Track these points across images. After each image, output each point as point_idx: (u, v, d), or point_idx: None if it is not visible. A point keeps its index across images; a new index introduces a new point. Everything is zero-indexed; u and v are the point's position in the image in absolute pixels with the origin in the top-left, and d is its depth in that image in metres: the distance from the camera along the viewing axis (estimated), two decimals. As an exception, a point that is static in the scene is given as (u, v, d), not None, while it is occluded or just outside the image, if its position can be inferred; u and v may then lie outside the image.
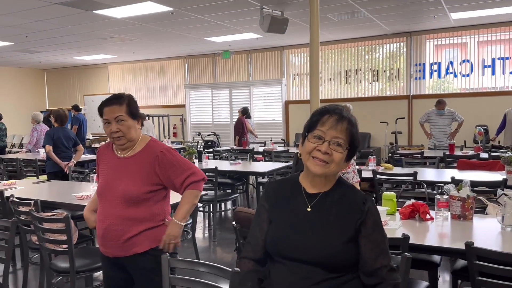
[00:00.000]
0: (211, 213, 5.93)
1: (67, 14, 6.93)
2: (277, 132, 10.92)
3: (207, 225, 5.95)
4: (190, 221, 4.19)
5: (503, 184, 3.56)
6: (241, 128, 8.96)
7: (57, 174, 5.72)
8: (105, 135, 2.46)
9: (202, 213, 6.26)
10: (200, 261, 2.02)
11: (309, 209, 1.47)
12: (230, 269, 1.87)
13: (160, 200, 2.30)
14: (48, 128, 6.65)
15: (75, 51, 10.94)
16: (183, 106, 12.53)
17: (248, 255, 1.60)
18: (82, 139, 9.71)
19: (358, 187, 3.77)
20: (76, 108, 10.42)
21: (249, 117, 9.82)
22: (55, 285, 3.20)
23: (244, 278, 1.59)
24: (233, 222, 2.55)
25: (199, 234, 5.57)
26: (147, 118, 10.03)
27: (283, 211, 1.52)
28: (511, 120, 6.73)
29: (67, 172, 5.65)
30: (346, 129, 1.43)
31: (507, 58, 8.79)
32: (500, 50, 8.85)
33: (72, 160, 5.82)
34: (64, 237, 2.90)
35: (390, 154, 6.45)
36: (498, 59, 8.86)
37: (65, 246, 2.90)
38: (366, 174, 4.43)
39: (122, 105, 2.24)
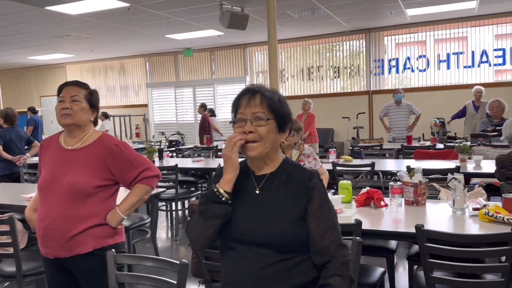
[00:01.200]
0: (173, 212, 5.81)
1: (17, 11, 6.64)
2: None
3: (169, 224, 5.83)
4: (148, 220, 4.08)
5: (455, 171, 3.65)
6: (206, 127, 8.90)
7: (10, 177, 5.47)
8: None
9: (164, 212, 6.14)
10: (146, 255, 1.94)
11: (257, 192, 1.46)
12: (178, 262, 1.82)
13: (108, 197, 2.19)
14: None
15: (30, 51, 10.52)
16: (146, 105, 12.29)
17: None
18: (38, 142, 9.35)
19: (324, 172, 3.77)
20: (32, 110, 10.04)
21: (214, 115, 9.76)
22: (3, 291, 3.04)
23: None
24: (188, 216, 2.49)
25: (161, 234, 5.46)
26: (108, 119, 9.78)
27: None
28: (471, 113, 6.97)
29: (19, 165, 5.44)
30: (261, 101, 1.43)
31: (461, 53, 9.11)
32: (454, 45, 9.16)
33: (27, 154, 5.59)
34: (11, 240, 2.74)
35: (351, 148, 6.55)
36: (453, 54, 9.17)
37: (11, 249, 2.75)
38: (327, 166, 4.46)
39: (83, 88, 2.18)
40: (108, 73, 12.84)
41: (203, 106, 9.23)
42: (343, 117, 9.55)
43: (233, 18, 6.62)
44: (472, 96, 7.01)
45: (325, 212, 1.44)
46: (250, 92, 1.45)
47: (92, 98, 2.20)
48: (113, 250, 1.97)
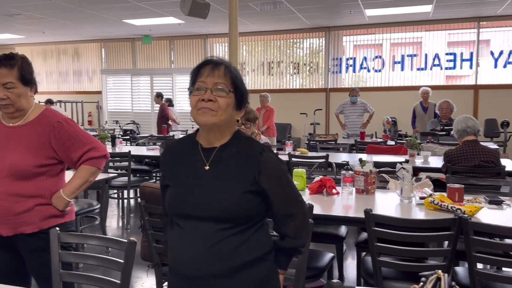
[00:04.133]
0: (125, 200, 5.66)
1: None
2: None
3: (120, 213, 5.68)
4: (98, 206, 3.95)
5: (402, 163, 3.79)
6: (164, 116, 8.76)
7: None
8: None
9: (116, 200, 5.96)
10: (92, 234, 1.87)
11: (207, 167, 1.43)
12: (125, 240, 1.76)
13: (54, 175, 2.09)
14: None
15: (-25, 28, 9.89)
16: (100, 92, 11.87)
17: (163, 211, 1.58)
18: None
19: None
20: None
21: (172, 105, 9.60)
22: None
23: (164, 233, 1.59)
24: (138, 198, 2.43)
25: (111, 222, 5.30)
26: (55, 103, 9.37)
27: (181, 171, 1.47)
28: (420, 113, 7.26)
29: None
30: (225, 74, 1.41)
31: (415, 55, 9.47)
32: (409, 49, 9.51)
33: None
34: None
35: (307, 142, 6.65)
36: (407, 56, 9.51)
37: None
38: (283, 158, 4.51)
39: (13, 68, 1.97)
40: (61, 57, 12.29)
41: (159, 96, 9.07)
42: (301, 113, 9.67)
43: (194, 5, 6.51)
44: (420, 97, 7.30)
45: (282, 185, 1.44)
46: (213, 63, 1.42)
47: (24, 73, 2.01)
48: (57, 228, 1.89)
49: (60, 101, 11.20)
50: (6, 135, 2.03)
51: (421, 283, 1.05)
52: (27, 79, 2.04)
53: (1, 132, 2.04)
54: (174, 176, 1.47)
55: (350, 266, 3.75)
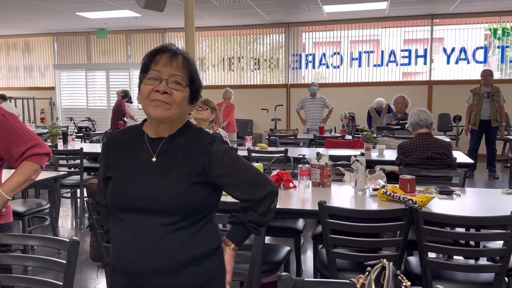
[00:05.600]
0: (78, 199, 5.44)
1: None
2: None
3: (73, 213, 5.46)
4: (48, 206, 3.77)
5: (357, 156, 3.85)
6: (120, 111, 8.50)
7: None
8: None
9: (69, 199, 5.73)
10: (31, 234, 1.76)
11: (154, 159, 1.36)
12: (68, 240, 1.66)
13: None
14: None
15: None
16: (53, 88, 11.39)
17: (101, 200, 1.49)
18: None
19: None
20: None
21: (130, 101, 9.33)
22: None
23: (104, 223, 1.54)
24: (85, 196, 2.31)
25: (64, 222, 5.09)
26: (7, 100, 8.89)
27: (125, 162, 1.39)
28: (375, 117, 7.50)
29: None
30: (183, 66, 1.34)
31: (372, 51, 9.67)
32: (367, 46, 9.71)
33: None
34: None
35: (267, 137, 6.65)
36: (364, 52, 9.71)
37: None
38: (242, 153, 4.48)
39: None
40: (10, 52, 11.70)
41: (124, 92, 8.82)
42: (262, 109, 9.67)
43: (150, -2, 6.34)
44: (375, 100, 7.58)
45: (239, 169, 1.39)
46: (171, 52, 1.34)
47: None
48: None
49: (10, 98, 10.65)
50: None
51: (367, 273, 1.03)
52: None
53: None
54: (117, 168, 1.39)
55: (308, 259, 3.77)
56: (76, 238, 1.65)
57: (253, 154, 4.52)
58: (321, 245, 2.88)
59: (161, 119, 1.34)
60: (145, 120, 1.45)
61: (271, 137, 6.37)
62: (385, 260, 1.01)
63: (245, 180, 1.40)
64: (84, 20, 9.30)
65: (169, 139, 1.38)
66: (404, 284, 0.98)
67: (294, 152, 4.82)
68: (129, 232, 1.32)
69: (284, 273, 1.25)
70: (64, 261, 1.65)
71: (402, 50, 9.52)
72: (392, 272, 0.98)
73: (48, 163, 2.13)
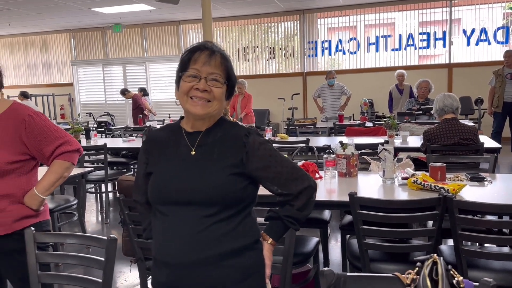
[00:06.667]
0: (102, 194, 5.53)
1: None
2: (176, 110, 10.60)
3: (99, 207, 5.55)
4: (75, 202, 3.83)
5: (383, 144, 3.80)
6: (139, 107, 8.58)
7: None
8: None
9: (93, 194, 5.83)
10: (70, 233, 1.79)
11: (193, 153, 1.39)
12: (106, 238, 1.69)
13: (27, 173, 1.99)
14: None
15: None
16: (71, 84, 11.53)
17: (139, 198, 1.53)
18: None
19: None
20: None
21: (146, 94, 9.41)
22: None
23: (143, 221, 1.56)
24: (117, 192, 2.34)
25: (90, 217, 5.18)
26: (29, 98, 9.05)
27: (164, 157, 1.42)
28: (396, 96, 7.32)
29: None
30: (221, 63, 1.36)
31: (389, 36, 9.51)
32: (383, 30, 9.54)
33: None
34: None
35: (286, 127, 6.62)
36: (382, 37, 9.55)
37: None
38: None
39: None
40: (28, 50, 11.85)
41: (124, 93, 8.92)
42: (278, 98, 9.63)
43: (165, -9, 6.34)
44: (396, 80, 7.35)
45: (275, 163, 1.39)
46: (209, 50, 1.36)
47: None
48: (33, 228, 1.80)
49: (30, 95, 10.83)
50: None
51: (417, 268, 1.02)
52: None
53: None
54: (157, 163, 1.43)
55: (334, 249, 3.77)
56: (113, 235, 1.68)
57: (274, 145, 4.49)
58: (349, 235, 2.87)
59: (201, 116, 1.37)
60: (182, 118, 1.48)
61: (290, 127, 6.33)
62: (435, 255, 1.00)
63: (282, 174, 1.41)
64: (99, 16, 9.35)
65: (206, 133, 1.41)
66: (456, 278, 0.97)
67: (315, 141, 4.79)
68: (170, 225, 1.35)
69: (326, 268, 1.24)
70: (103, 259, 1.68)
71: (420, 33, 9.33)
72: (444, 267, 0.97)
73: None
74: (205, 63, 1.34)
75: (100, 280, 1.66)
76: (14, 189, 1.92)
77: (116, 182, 5.74)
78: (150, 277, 2.36)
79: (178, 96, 1.40)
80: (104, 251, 1.68)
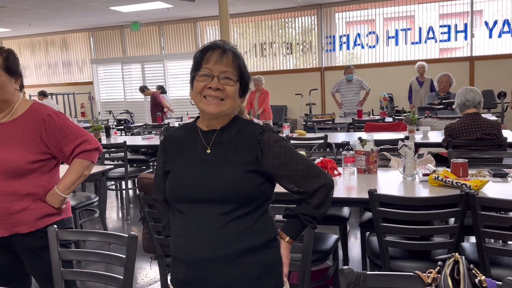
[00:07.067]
0: (123, 191, 5.61)
1: None
2: (194, 107, 10.63)
3: (119, 204, 5.63)
4: (96, 199, 3.90)
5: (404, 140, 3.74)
6: (157, 104, 8.66)
7: None
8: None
9: (114, 192, 5.91)
10: (92, 230, 1.82)
11: (208, 151, 1.40)
12: (126, 235, 1.71)
13: (48, 172, 2.02)
14: None
15: (-41, 23, 9.66)
16: (91, 83, 11.71)
17: (158, 197, 1.54)
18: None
19: None
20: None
21: (164, 92, 9.49)
22: None
23: (162, 219, 1.58)
24: (137, 189, 2.37)
25: (111, 214, 5.27)
26: (48, 97, 9.22)
27: (181, 156, 1.44)
28: (416, 89, 7.19)
29: None
30: (233, 62, 1.38)
31: (409, 29, 9.34)
32: (402, 23, 9.38)
33: None
34: None
35: (304, 123, 6.59)
36: (401, 30, 9.39)
37: None
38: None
39: None
40: (49, 49, 12.08)
41: (143, 90, 9.01)
42: (296, 94, 9.59)
43: (182, -11, 6.37)
44: (416, 72, 7.22)
45: (291, 160, 1.39)
46: (220, 48, 1.38)
47: (9, 63, 1.95)
48: (55, 226, 1.83)
49: (51, 94, 11.04)
50: None
51: (438, 267, 1.00)
52: (12, 69, 1.96)
53: None
54: (175, 162, 1.44)
55: (354, 247, 3.74)
56: (134, 233, 1.70)
57: (292, 142, 4.47)
58: (368, 232, 2.84)
59: (215, 115, 1.38)
60: (198, 117, 1.49)
61: (308, 123, 6.29)
62: (457, 254, 0.98)
63: (298, 172, 1.40)
64: (117, 14, 9.45)
65: (221, 131, 1.42)
66: (478, 278, 0.95)
67: (333, 137, 4.75)
68: (188, 223, 1.37)
69: (346, 267, 1.23)
70: (124, 256, 1.70)
71: (440, 26, 9.14)
72: (466, 266, 0.95)
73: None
74: (217, 62, 1.35)
75: (121, 277, 1.69)
76: (36, 188, 1.96)
77: (136, 180, 5.83)
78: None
79: (192, 96, 1.41)
80: (125, 248, 1.71)
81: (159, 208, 1.58)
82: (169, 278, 2.40)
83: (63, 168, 2.13)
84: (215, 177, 1.35)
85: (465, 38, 9.04)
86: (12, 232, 1.93)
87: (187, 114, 8.90)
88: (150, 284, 3.32)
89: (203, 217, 1.34)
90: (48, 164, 2.02)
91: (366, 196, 2.13)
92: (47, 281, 1.94)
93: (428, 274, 1.03)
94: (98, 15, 9.51)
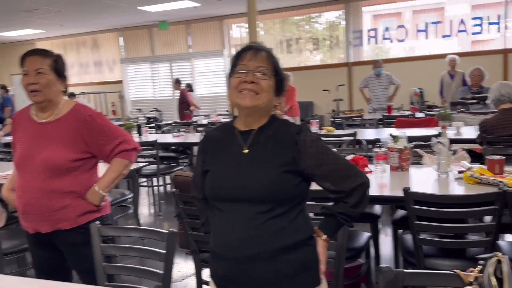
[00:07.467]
0: (155, 188, 5.74)
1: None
2: (221, 104, 10.75)
3: (151, 200, 5.76)
4: (130, 195, 4.01)
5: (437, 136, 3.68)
6: (185, 102, 8.79)
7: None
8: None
9: (146, 188, 6.05)
10: (132, 226, 1.89)
11: (245, 151, 1.43)
12: (166, 231, 1.77)
13: (88, 170, 2.11)
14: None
15: (-3, 26, 10.04)
16: (121, 82, 11.97)
17: (197, 194, 1.59)
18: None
19: None
20: (3, 87, 9.68)
21: (192, 90, 9.60)
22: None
23: (201, 216, 1.62)
24: (173, 188, 2.44)
25: (143, 210, 5.40)
26: (75, 96, 9.50)
27: (220, 156, 1.48)
28: (447, 82, 7.02)
29: None
30: (267, 57, 1.42)
31: (439, 22, 9.12)
32: (431, 16, 9.16)
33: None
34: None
35: (332, 119, 6.54)
36: (431, 23, 9.17)
37: (-11, 227, 2.65)
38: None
39: (46, 57, 2.03)
40: (80, 49, 12.40)
41: (178, 82, 9.08)
42: (323, 90, 9.52)
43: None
44: (447, 66, 7.04)
45: (328, 160, 1.41)
46: (255, 48, 1.43)
47: (58, 65, 2.06)
48: (97, 222, 1.91)
49: (83, 93, 11.36)
50: (38, 132, 2.05)
51: (480, 266, 1.00)
52: (59, 70, 2.07)
53: (34, 129, 2.07)
54: (213, 162, 1.48)
55: (384, 244, 3.71)
56: (173, 229, 1.76)
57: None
58: (401, 230, 2.82)
59: (250, 108, 1.40)
60: (235, 117, 1.52)
61: (336, 119, 6.25)
62: (499, 253, 0.98)
63: (335, 171, 1.42)
64: (145, 14, 9.62)
65: (258, 131, 1.45)
66: (521, 278, 0.95)
67: (362, 134, 4.71)
68: (227, 221, 1.40)
69: (384, 265, 1.25)
70: (163, 251, 1.76)
71: (472, 18, 8.87)
72: (508, 266, 0.95)
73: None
74: (251, 58, 1.40)
75: (160, 272, 1.75)
76: (77, 186, 2.05)
77: (167, 177, 5.95)
78: (204, 268, 2.45)
79: (230, 95, 1.44)
80: (163, 243, 1.77)
81: (198, 205, 1.63)
82: (203, 273, 2.46)
83: (101, 167, 2.21)
84: (252, 177, 1.38)
85: (498, 30, 8.75)
86: (55, 228, 2.02)
87: (215, 112, 8.97)
88: (183, 279, 3.40)
89: (241, 216, 1.38)
90: (88, 162, 2.10)
91: (399, 193, 2.12)
92: (87, 275, 2.03)
93: (469, 273, 1.03)
94: (127, 15, 9.71)
